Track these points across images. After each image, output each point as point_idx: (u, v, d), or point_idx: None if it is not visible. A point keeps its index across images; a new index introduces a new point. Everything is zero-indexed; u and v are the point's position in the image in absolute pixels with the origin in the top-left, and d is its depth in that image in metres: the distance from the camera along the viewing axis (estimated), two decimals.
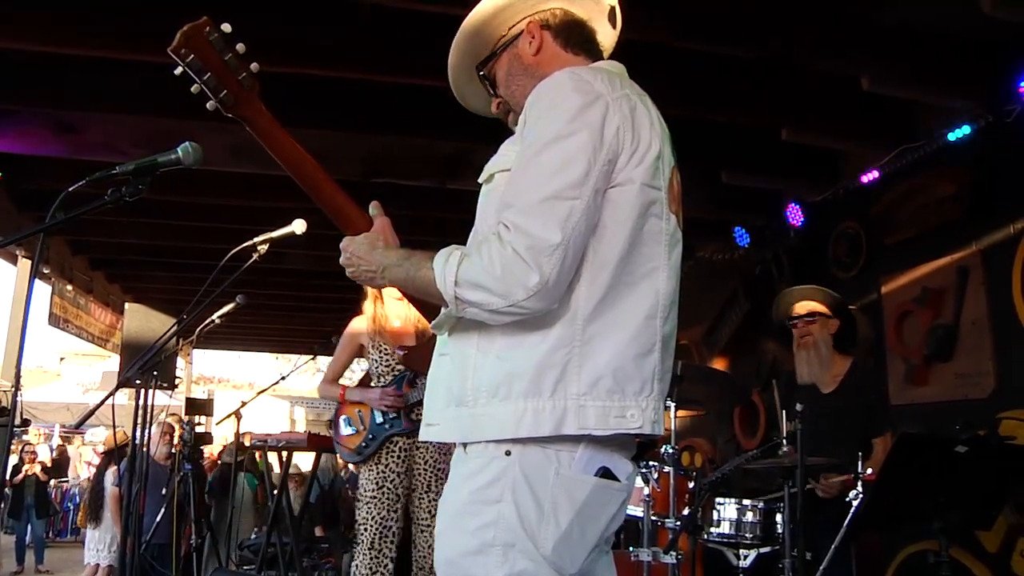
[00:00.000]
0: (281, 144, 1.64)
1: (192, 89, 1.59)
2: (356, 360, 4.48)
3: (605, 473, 1.52)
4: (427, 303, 1.60)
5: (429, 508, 3.93)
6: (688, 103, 4.58)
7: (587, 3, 1.81)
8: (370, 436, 4.03)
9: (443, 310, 1.54)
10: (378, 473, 3.94)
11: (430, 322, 1.64)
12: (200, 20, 1.55)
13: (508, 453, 1.48)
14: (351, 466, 7.19)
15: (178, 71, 1.57)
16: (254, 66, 1.61)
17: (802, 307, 4.03)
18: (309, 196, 1.70)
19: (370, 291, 4.12)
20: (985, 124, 4.44)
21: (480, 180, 1.66)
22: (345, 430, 4.15)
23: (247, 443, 6.59)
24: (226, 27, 1.57)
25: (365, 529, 3.89)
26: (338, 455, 4.52)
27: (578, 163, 1.46)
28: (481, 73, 1.83)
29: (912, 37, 4.14)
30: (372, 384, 4.16)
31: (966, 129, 4.53)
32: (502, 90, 1.80)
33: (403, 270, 1.57)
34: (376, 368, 4.14)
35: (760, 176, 5.96)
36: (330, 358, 4.54)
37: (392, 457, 3.97)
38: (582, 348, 1.48)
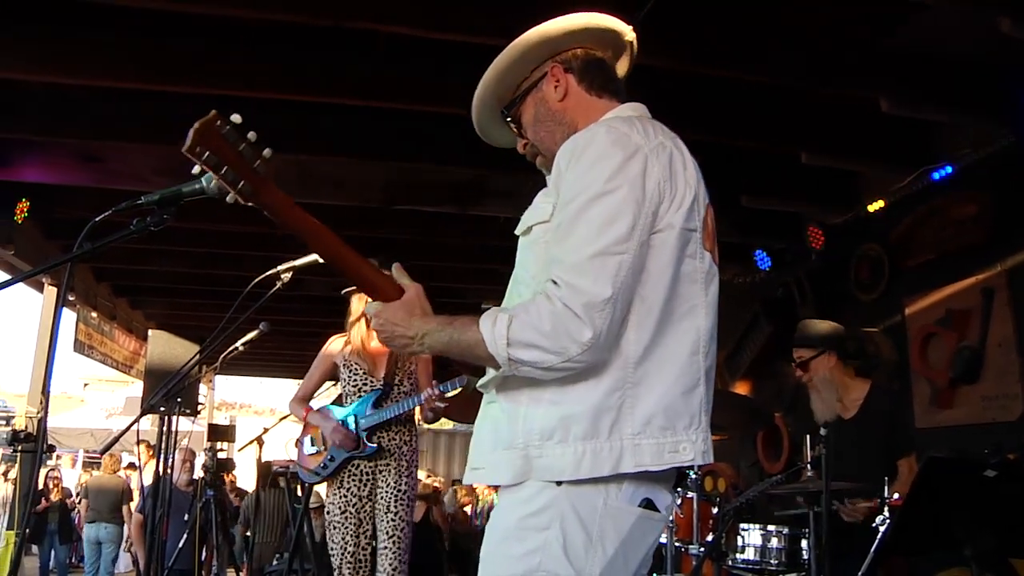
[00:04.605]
0: (300, 222, 1.64)
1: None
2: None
3: (647, 504, 1.56)
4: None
5: (387, 529, 3.92)
6: (708, 128, 4.59)
7: (612, 35, 1.82)
8: (329, 457, 4.06)
9: (490, 371, 1.59)
10: (341, 497, 3.98)
11: (470, 375, 1.68)
12: (209, 115, 1.54)
13: (559, 483, 1.51)
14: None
15: (196, 170, 1.59)
16: (267, 152, 1.60)
17: (794, 354, 3.98)
18: (333, 268, 1.70)
19: (354, 312, 4.13)
20: (1006, 144, 4.42)
21: (517, 232, 1.69)
22: (308, 449, 4.21)
23: None
24: (236, 118, 1.57)
25: (333, 555, 3.94)
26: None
27: (624, 218, 1.50)
28: (508, 118, 1.85)
29: (931, 59, 4.13)
30: (343, 403, 4.19)
31: (987, 149, 4.50)
32: (530, 134, 1.82)
33: (446, 335, 1.58)
34: (345, 388, 4.18)
35: (780, 200, 5.95)
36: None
37: (354, 481, 3.99)
38: (634, 390, 1.53)
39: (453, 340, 1.57)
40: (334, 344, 4.27)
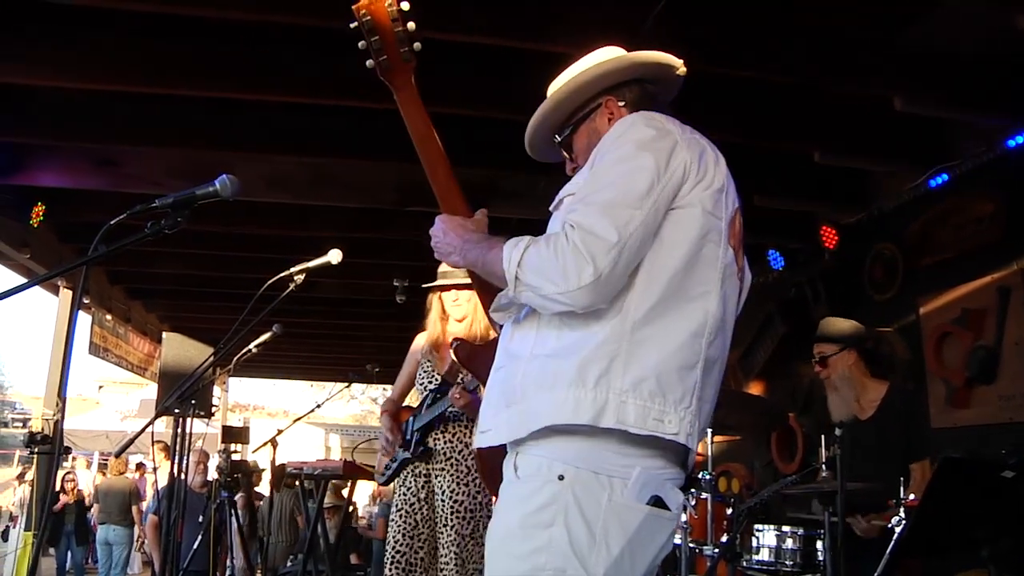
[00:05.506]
0: (418, 119, 1.84)
1: (359, 45, 1.80)
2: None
3: (657, 502, 1.54)
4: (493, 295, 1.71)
5: (444, 543, 3.67)
6: (719, 127, 4.57)
7: (666, 69, 1.89)
8: (393, 459, 3.90)
9: (502, 292, 1.65)
10: (401, 496, 3.80)
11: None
12: None
13: (561, 478, 1.52)
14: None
15: (353, 25, 1.79)
16: (417, 45, 1.78)
17: (815, 350, 3.95)
18: (426, 172, 1.89)
19: (435, 308, 3.91)
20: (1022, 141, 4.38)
21: (551, 208, 1.77)
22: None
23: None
24: (405, 5, 1.75)
25: (385, 554, 3.74)
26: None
27: (643, 180, 1.58)
28: (558, 140, 1.93)
29: (946, 57, 4.10)
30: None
31: (1003, 147, 4.45)
32: (581, 160, 1.87)
33: (479, 250, 1.71)
34: (418, 387, 3.97)
35: (793, 199, 5.92)
36: (364, 385, 4.46)
37: (415, 481, 3.78)
38: (629, 347, 1.55)
39: (481, 256, 1.69)
40: (418, 339, 4.05)
